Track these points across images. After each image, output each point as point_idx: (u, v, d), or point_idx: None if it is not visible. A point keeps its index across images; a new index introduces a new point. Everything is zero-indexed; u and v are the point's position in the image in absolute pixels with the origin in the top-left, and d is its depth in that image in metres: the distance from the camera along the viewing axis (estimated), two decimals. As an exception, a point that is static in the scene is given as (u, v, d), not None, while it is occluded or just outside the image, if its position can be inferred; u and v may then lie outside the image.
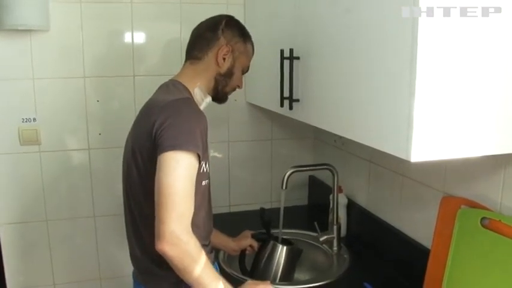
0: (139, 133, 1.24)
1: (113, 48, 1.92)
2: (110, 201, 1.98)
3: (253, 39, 1.43)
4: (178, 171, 1.11)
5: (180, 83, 1.32)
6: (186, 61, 1.39)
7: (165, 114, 1.17)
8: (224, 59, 1.34)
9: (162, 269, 1.25)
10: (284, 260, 1.55)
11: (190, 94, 1.32)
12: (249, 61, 1.43)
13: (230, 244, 1.60)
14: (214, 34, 1.34)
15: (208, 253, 1.32)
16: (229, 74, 1.37)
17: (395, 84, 0.87)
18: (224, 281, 1.20)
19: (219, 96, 1.41)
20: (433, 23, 0.80)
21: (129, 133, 1.35)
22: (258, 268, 1.57)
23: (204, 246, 1.26)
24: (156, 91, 1.36)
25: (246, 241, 1.61)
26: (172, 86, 1.32)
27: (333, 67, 1.14)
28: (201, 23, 1.40)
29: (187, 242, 1.11)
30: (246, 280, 1.37)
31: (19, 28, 1.71)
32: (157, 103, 1.25)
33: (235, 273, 1.54)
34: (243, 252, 1.61)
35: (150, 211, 1.21)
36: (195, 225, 1.23)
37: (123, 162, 1.35)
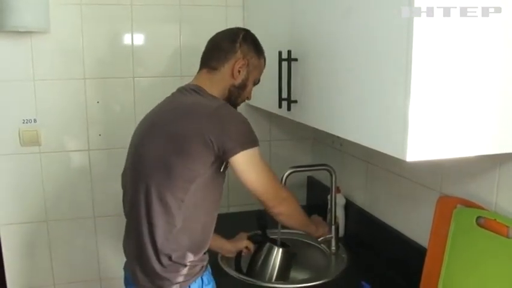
0: (185, 135, 1.24)
1: (113, 50, 1.93)
2: (110, 201, 1.99)
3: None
4: (260, 163, 1.28)
5: (204, 89, 1.35)
6: (202, 68, 1.41)
7: (220, 121, 1.24)
8: (239, 71, 1.38)
9: (166, 270, 1.28)
10: (280, 261, 1.57)
11: None
12: (261, 75, 1.47)
13: (226, 246, 1.60)
14: (232, 46, 1.37)
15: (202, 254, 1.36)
16: (242, 86, 1.41)
17: (391, 85, 0.88)
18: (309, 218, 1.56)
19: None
20: (433, 23, 0.81)
21: (153, 130, 1.33)
22: (254, 269, 1.58)
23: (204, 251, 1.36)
24: (181, 94, 1.37)
25: (242, 243, 1.63)
26: (200, 91, 1.34)
27: (330, 68, 1.15)
28: (218, 34, 1.43)
29: (293, 200, 1.41)
30: (243, 280, 1.44)
31: (20, 30, 1.73)
32: (200, 108, 1.27)
33: (231, 274, 1.55)
34: (239, 254, 1.62)
35: (175, 209, 1.26)
36: (209, 223, 1.36)
37: (144, 159, 1.33)
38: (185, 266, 1.29)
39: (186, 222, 1.28)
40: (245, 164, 1.26)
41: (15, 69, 1.83)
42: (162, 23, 1.98)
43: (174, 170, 1.24)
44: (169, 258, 1.27)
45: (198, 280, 1.32)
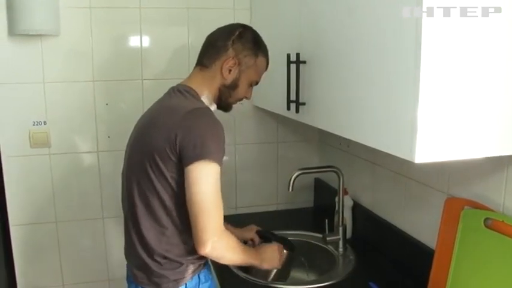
0: (157, 135, 1.24)
1: (121, 53, 1.95)
2: (118, 203, 1.98)
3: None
4: (210, 181, 1.19)
5: (192, 89, 1.34)
6: (196, 65, 1.40)
7: (190, 123, 1.20)
8: (230, 70, 1.34)
9: (163, 267, 1.29)
10: (282, 263, 1.57)
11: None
12: (259, 75, 1.42)
13: (233, 233, 1.60)
14: (225, 45, 1.33)
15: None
16: (233, 86, 1.37)
17: (400, 86, 0.89)
18: (254, 252, 1.43)
19: (222, 105, 1.42)
20: (434, 23, 0.81)
21: (139, 132, 1.36)
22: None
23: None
24: (168, 95, 1.37)
25: (249, 234, 1.65)
26: (185, 92, 1.33)
27: (338, 71, 1.16)
28: (216, 30, 1.40)
29: (225, 240, 1.25)
30: (243, 277, 1.47)
31: (30, 33, 1.75)
32: (177, 109, 1.26)
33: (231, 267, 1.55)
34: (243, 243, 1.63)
35: (160, 211, 1.26)
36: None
37: (131, 160, 1.36)
38: (181, 264, 1.30)
39: (174, 227, 1.28)
40: (197, 175, 1.17)
41: (26, 72, 1.85)
42: (170, 25, 1.99)
43: (152, 173, 1.24)
44: (164, 257, 1.28)
45: (195, 278, 1.33)
